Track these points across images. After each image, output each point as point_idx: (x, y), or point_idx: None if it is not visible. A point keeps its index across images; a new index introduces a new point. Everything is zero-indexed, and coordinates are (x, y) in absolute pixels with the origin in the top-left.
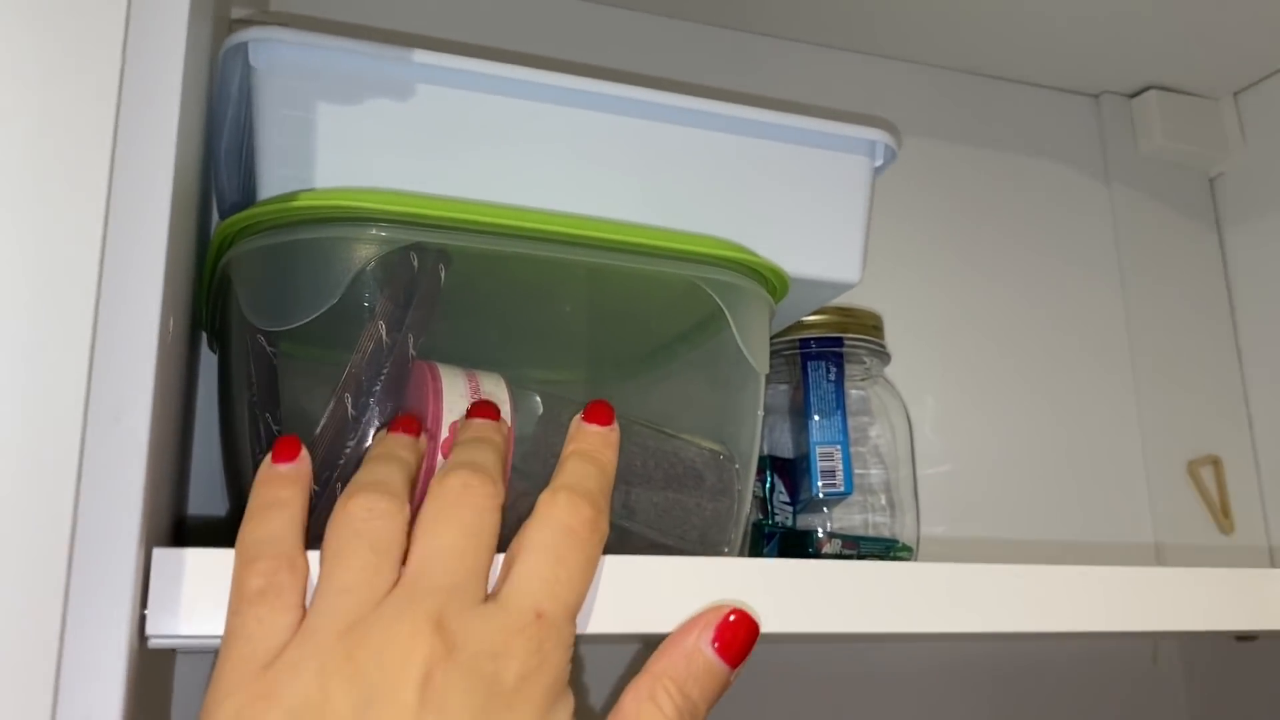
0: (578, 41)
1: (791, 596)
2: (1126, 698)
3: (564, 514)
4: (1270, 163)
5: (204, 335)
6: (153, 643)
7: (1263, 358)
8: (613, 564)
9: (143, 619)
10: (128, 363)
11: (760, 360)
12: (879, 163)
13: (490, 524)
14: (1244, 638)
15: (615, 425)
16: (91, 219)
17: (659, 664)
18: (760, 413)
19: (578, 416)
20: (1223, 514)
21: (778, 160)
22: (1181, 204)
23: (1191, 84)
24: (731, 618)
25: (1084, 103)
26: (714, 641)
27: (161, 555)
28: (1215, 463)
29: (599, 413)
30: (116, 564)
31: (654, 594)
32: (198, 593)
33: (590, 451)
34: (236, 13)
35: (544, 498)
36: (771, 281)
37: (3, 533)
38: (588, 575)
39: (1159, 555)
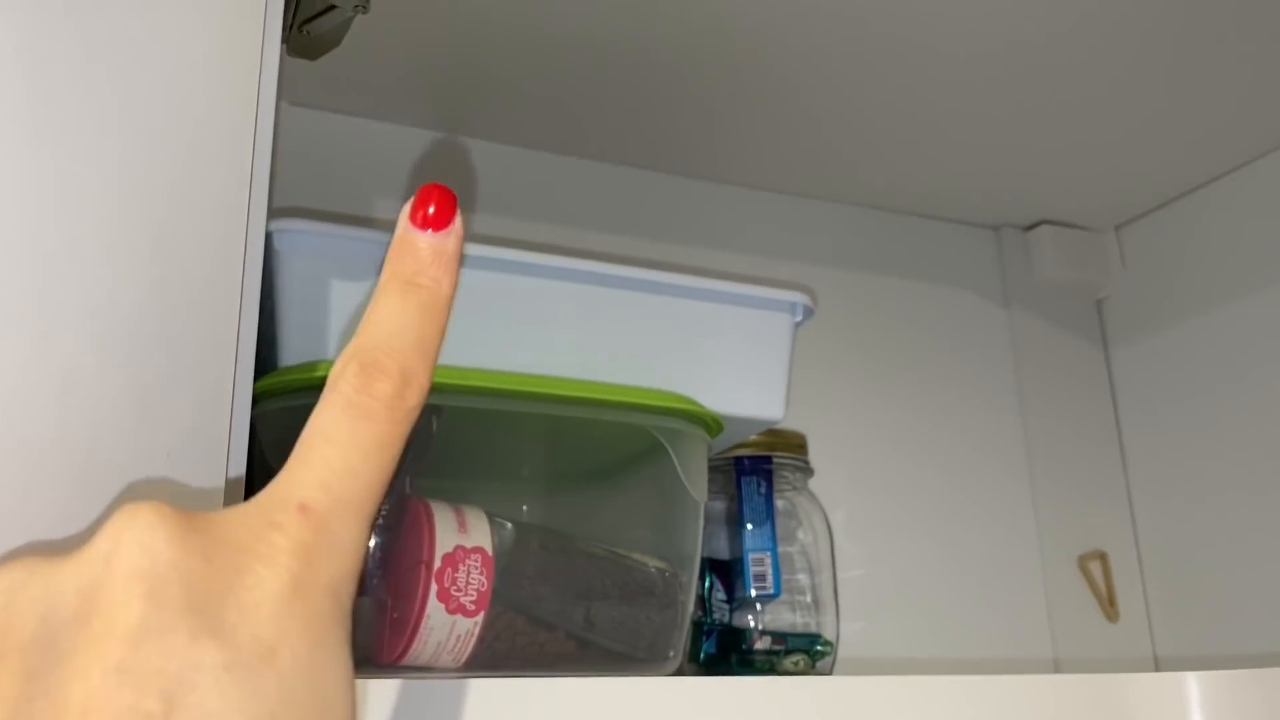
0: (527, 187)
1: (724, 713)
2: None
3: (350, 389)
4: (1148, 287)
5: None
6: None
7: (1144, 462)
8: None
9: None
10: None
11: (699, 490)
12: (799, 319)
13: None
14: None
15: (456, 225)
16: (223, 402)
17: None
18: (699, 534)
19: (405, 212)
20: (1109, 603)
21: (714, 318)
22: (1072, 325)
23: (1079, 218)
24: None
25: (985, 235)
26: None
27: None
28: (1103, 557)
29: (439, 205)
30: None
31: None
32: None
33: (414, 279)
34: None
35: (335, 366)
36: (708, 423)
37: None
38: (380, 462)
39: (1055, 651)
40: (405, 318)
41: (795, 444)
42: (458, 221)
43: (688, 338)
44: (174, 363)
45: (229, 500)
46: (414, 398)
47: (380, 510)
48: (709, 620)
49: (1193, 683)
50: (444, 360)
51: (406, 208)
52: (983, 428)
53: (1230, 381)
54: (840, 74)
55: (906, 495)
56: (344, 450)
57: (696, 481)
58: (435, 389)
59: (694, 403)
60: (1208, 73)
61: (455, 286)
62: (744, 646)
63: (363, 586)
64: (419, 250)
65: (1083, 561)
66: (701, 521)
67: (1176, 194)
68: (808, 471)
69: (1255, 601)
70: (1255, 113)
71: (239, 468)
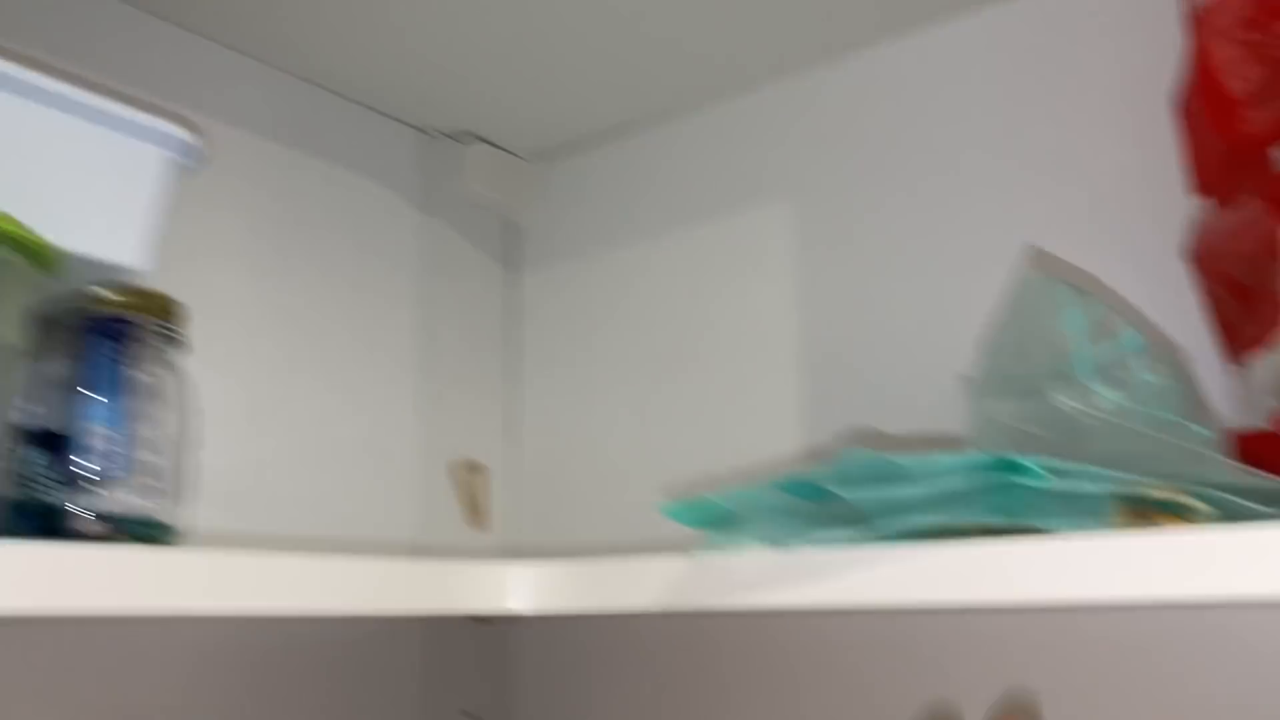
0: None
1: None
2: (366, 673)
3: None
4: (562, 217)
5: None
6: None
7: (541, 382)
8: None
9: None
10: None
11: (12, 331)
12: (174, 155)
13: None
14: (481, 621)
15: None
16: None
17: None
18: (7, 383)
19: None
20: (478, 512)
21: (61, 133)
22: (487, 244)
23: (508, 142)
24: None
25: (413, 136)
26: None
27: None
28: (478, 468)
29: None
30: None
31: None
32: None
33: None
34: None
35: None
36: (35, 251)
37: None
38: None
39: (418, 549)
40: None
41: (164, 310)
42: None
43: (30, 150)
44: None
45: None
46: None
47: None
48: (27, 497)
49: (511, 571)
50: None
51: None
52: (378, 327)
53: (626, 315)
54: None
55: (288, 381)
56: None
57: (10, 319)
58: None
59: (14, 221)
60: (647, 19)
61: None
62: (71, 529)
63: None
64: None
65: (461, 471)
66: (13, 369)
67: (601, 133)
68: (177, 343)
69: (619, 510)
70: (686, 66)
71: None
